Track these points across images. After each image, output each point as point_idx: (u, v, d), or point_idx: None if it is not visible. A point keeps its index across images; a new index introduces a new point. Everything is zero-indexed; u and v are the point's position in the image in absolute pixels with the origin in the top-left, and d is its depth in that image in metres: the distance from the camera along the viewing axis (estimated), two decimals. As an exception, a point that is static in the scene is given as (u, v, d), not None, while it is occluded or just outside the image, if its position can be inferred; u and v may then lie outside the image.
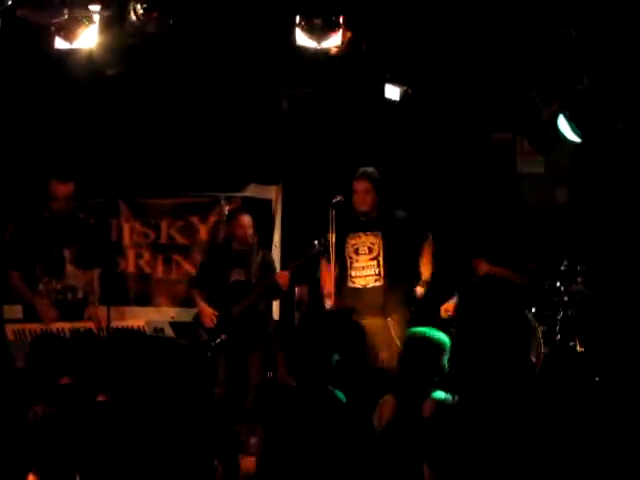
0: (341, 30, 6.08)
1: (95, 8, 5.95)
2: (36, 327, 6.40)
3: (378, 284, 6.70)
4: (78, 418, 3.83)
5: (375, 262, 6.72)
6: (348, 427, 4.20)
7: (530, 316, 7.30)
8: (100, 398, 3.97)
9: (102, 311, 6.62)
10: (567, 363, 7.18)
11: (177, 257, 8.50)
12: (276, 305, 8.00)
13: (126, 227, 8.47)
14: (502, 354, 4.08)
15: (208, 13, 6.36)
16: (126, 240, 8.47)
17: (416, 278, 6.76)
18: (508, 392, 3.87)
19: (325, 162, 7.99)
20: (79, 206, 7.12)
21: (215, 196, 8.47)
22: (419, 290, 6.71)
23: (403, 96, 7.21)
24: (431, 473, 3.78)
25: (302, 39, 6.08)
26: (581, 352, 7.19)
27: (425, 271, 6.76)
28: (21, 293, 6.64)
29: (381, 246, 6.72)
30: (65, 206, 6.67)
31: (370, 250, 6.74)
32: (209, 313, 7.05)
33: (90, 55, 6.23)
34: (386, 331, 6.47)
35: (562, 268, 7.37)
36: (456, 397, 4.29)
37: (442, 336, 4.59)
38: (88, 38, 6.01)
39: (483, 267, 6.75)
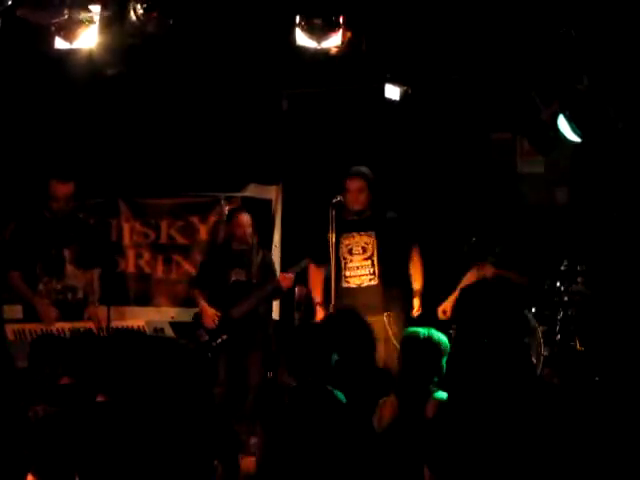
0: (341, 30, 6.08)
1: (95, 8, 5.95)
2: (36, 327, 6.40)
3: (373, 283, 6.70)
4: (78, 418, 3.83)
5: (369, 262, 6.72)
6: (348, 427, 4.20)
7: (530, 316, 7.31)
8: (99, 398, 3.97)
9: (102, 311, 6.63)
10: (567, 363, 7.18)
11: (177, 257, 8.50)
12: (276, 305, 8.00)
13: (126, 227, 8.47)
14: (502, 354, 4.08)
15: (208, 13, 6.36)
16: (126, 240, 8.47)
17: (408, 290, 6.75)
18: (509, 393, 3.87)
19: (325, 162, 7.99)
20: (79, 206, 7.12)
21: (215, 196, 8.47)
22: (416, 303, 6.69)
23: (403, 96, 7.21)
24: (431, 475, 3.77)
25: (302, 39, 6.08)
26: (581, 352, 7.19)
27: (416, 281, 6.75)
28: (21, 293, 6.64)
29: (375, 246, 6.72)
30: (65, 206, 6.67)
31: (364, 250, 6.74)
32: (211, 313, 7.05)
33: (90, 55, 6.23)
34: (382, 329, 6.46)
35: (562, 268, 7.37)
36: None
37: (442, 336, 4.60)
38: (88, 38, 6.00)
39: (488, 271, 6.73)
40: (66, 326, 6.44)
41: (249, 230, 7.20)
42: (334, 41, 6.12)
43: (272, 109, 8.23)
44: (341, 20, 6.07)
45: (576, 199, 8.10)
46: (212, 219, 8.46)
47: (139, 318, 7.34)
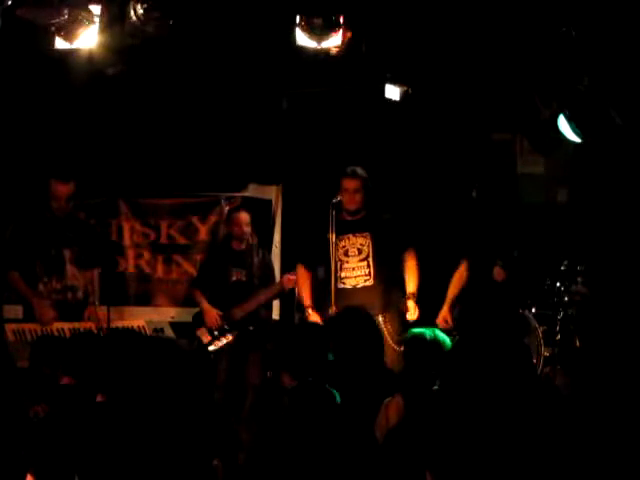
0: (341, 30, 6.07)
1: (95, 8, 5.95)
2: (36, 327, 6.41)
3: (368, 284, 6.68)
4: (77, 418, 3.83)
5: (365, 263, 6.71)
6: (343, 428, 4.20)
7: (530, 316, 7.31)
8: (99, 398, 3.97)
9: (102, 311, 6.63)
10: (567, 363, 7.19)
11: (177, 257, 8.51)
12: (276, 305, 8.01)
13: (126, 227, 8.47)
14: (502, 354, 4.08)
15: (208, 13, 6.35)
16: (126, 240, 8.47)
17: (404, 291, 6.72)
18: (509, 394, 3.87)
19: (325, 162, 7.99)
20: (79, 206, 7.12)
21: (215, 196, 8.48)
22: (411, 305, 6.62)
23: (403, 96, 7.21)
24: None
25: (302, 39, 6.08)
26: (581, 350, 7.20)
27: (410, 284, 6.72)
28: (21, 293, 6.64)
29: (370, 247, 6.70)
30: (65, 206, 6.67)
31: (360, 251, 6.73)
32: (214, 314, 7.05)
33: (90, 55, 6.23)
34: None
35: (562, 268, 7.38)
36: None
37: (446, 337, 4.61)
38: (88, 38, 6.00)
39: (499, 275, 6.70)
40: (66, 326, 6.44)
41: (247, 229, 7.20)
42: (334, 41, 6.11)
43: (272, 109, 8.23)
44: (341, 20, 6.06)
45: (576, 199, 8.10)
46: (212, 219, 8.46)
47: (139, 318, 7.35)
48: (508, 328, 6.64)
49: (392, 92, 7.17)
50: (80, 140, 7.97)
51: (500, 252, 6.75)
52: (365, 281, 6.70)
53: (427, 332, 4.58)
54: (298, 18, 6.04)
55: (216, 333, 7.03)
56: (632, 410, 4.23)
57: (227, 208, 8.20)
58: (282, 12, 6.14)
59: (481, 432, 3.74)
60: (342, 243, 6.71)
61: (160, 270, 8.51)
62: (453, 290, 6.87)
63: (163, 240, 8.53)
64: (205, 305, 7.10)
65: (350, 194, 6.66)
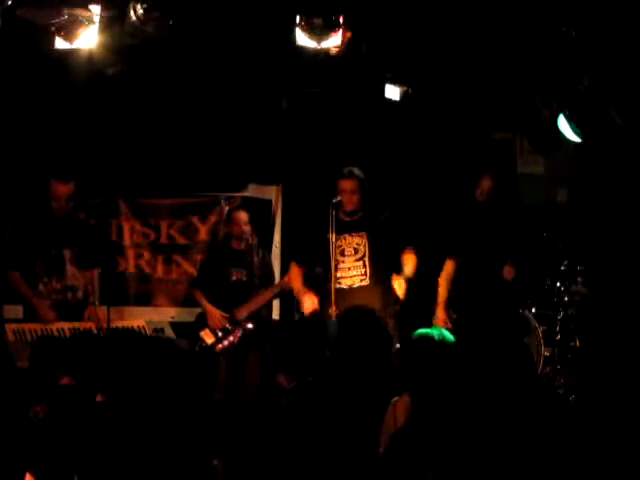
0: (341, 30, 6.08)
1: (95, 8, 5.95)
2: (36, 327, 6.40)
3: (364, 284, 6.69)
4: (77, 418, 3.83)
5: (361, 262, 6.72)
6: (347, 428, 4.20)
7: (530, 316, 7.31)
8: (99, 398, 3.97)
9: (102, 311, 6.63)
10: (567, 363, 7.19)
11: (177, 257, 8.51)
12: (276, 305, 8.01)
13: (126, 227, 8.48)
14: (502, 354, 4.08)
15: (208, 13, 6.35)
16: (126, 240, 8.47)
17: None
18: (509, 394, 3.87)
19: (325, 162, 7.99)
20: (79, 206, 7.12)
21: (215, 196, 8.48)
22: (401, 283, 6.53)
23: (403, 96, 7.21)
24: None
25: (302, 39, 6.08)
26: (581, 351, 7.21)
27: (407, 265, 6.63)
28: (22, 292, 6.64)
29: (367, 247, 6.71)
30: (65, 206, 6.67)
31: (356, 251, 6.73)
32: (218, 315, 7.05)
33: (90, 55, 6.23)
34: None
35: (562, 268, 7.38)
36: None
37: (452, 337, 4.60)
38: (88, 38, 6.00)
39: (509, 273, 6.67)
40: (66, 326, 6.44)
41: (246, 228, 7.19)
42: (334, 41, 6.11)
43: (272, 109, 8.23)
44: (341, 20, 6.06)
45: (576, 199, 8.10)
46: (212, 219, 8.46)
47: (139, 318, 7.34)
48: (508, 328, 6.63)
49: (392, 92, 7.17)
50: (80, 140, 7.97)
51: (510, 250, 6.70)
52: (361, 281, 6.71)
53: (434, 332, 4.57)
54: (298, 18, 6.05)
55: (220, 334, 7.03)
56: (632, 410, 4.24)
57: (227, 208, 8.21)
58: (282, 12, 6.14)
59: (481, 432, 3.74)
60: (338, 243, 6.71)
61: (160, 270, 8.51)
62: (443, 290, 6.85)
63: (163, 240, 8.53)
64: (208, 306, 7.10)
65: (347, 195, 6.67)
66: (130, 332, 6.01)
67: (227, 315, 7.05)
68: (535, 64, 6.26)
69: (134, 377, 3.76)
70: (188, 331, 7.31)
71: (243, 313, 7.05)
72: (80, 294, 6.77)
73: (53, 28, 5.94)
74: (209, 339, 7.03)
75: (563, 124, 6.33)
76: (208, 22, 6.46)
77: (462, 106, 7.81)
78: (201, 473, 3.75)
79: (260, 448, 4.45)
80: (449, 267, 6.81)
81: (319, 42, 6.09)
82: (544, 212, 7.93)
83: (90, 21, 5.95)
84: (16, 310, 6.89)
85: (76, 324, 6.48)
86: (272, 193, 8.54)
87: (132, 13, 5.91)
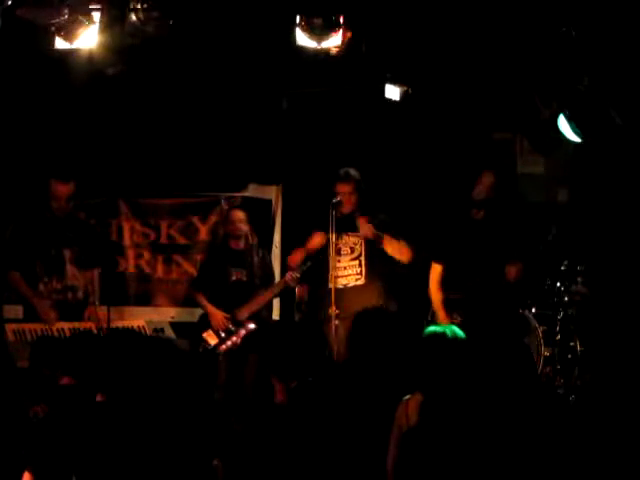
0: (341, 30, 6.08)
1: (95, 8, 5.95)
2: (36, 327, 6.40)
3: (359, 283, 6.72)
4: (77, 418, 3.83)
5: (357, 262, 6.74)
6: (351, 427, 4.20)
7: (530, 316, 7.30)
8: (98, 398, 3.97)
9: (102, 311, 6.63)
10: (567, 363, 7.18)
11: (177, 257, 8.50)
12: (276, 305, 8.00)
13: (126, 227, 8.47)
14: (502, 354, 4.08)
15: (208, 13, 6.35)
16: (126, 240, 8.47)
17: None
18: (510, 394, 3.87)
19: (325, 162, 7.98)
20: (79, 206, 7.12)
21: (215, 196, 8.48)
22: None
23: (403, 96, 7.21)
24: None
25: (302, 39, 6.08)
26: (581, 351, 7.20)
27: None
28: (21, 293, 6.64)
29: (363, 246, 6.73)
30: (65, 206, 6.67)
31: (352, 250, 6.76)
32: (220, 316, 7.04)
33: (90, 55, 6.23)
34: None
35: (562, 268, 7.37)
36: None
37: (463, 333, 4.57)
38: (88, 38, 6.01)
39: (512, 273, 6.63)
40: (66, 326, 6.44)
41: (243, 226, 7.19)
42: (334, 41, 6.11)
43: (272, 109, 8.22)
44: (341, 20, 6.06)
45: (576, 199, 8.09)
46: (212, 219, 8.46)
47: (139, 318, 7.34)
48: (508, 328, 6.62)
49: (392, 92, 7.17)
50: (80, 140, 7.96)
51: (513, 250, 6.67)
52: (356, 280, 6.73)
53: (446, 330, 4.54)
54: (298, 18, 6.05)
55: (223, 335, 7.03)
56: (632, 410, 4.24)
57: (226, 208, 8.20)
58: (282, 12, 6.14)
59: (481, 432, 3.74)
60: (335, 242, 6.73)
61: (160, 270, 8.50)
62: (438, 293, 6.74)
63: (163, 240, 8.53)
64: (210, 308, 7.09)
65: (344, 198, 6.70)
66: (130, 332, 6.00)
67: (229, 316, 7.04)
68: (535, 64, 6.26)
69: (134, 377, 3.76)
70: (188, 331, 7.31)
71: (244, 313, 7.04)
72: (80, 294, 6.77)
73: (53, 28, 5.94)
74: (212, 340, 7.03)
75: (563, 124, 6.32)
76: (208, 22, 6.46)
77: (462, 106, 7.80)
78: (201, 473, 3.75)
79: (260, 448, 4.45)
80: (437, 270, 6.76)
81: (319, 42, 6.09)
82: (544, 212, 7.93)
83: (90, 21, 5.95)
84: (16, 310, 6.89)
85: (76, 324, 6.48)
86: (272, 193, 8.54)
87: (132, 13, 5.91)
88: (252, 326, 7.03)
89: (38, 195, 6.80)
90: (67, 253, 6.72)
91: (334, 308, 6.56)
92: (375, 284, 6.71)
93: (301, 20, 6.05)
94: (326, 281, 6.73)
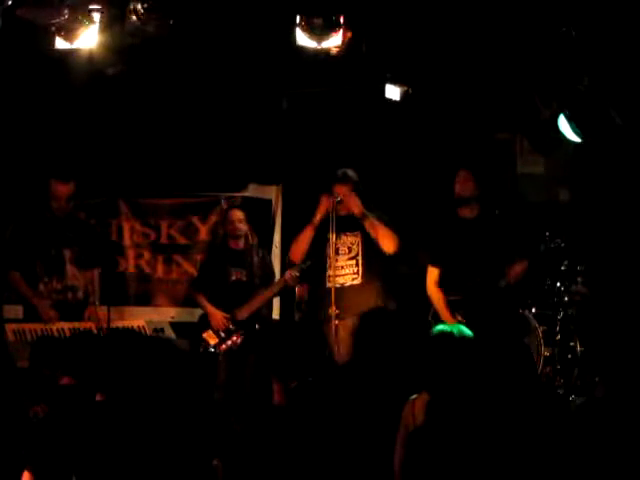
0: (341, 30, 6.08)
1: (95, 8, 5.95)
2: (36, 327, 6.40)
3: (356, 282, 6.72)
4: (77, 418, 3.83)
5: (354, 261, 6.75)
6: (353, 427, 4.20)
7: (530, 316, 7.30)
8: (98, 398, 3.97)
9: (102, 311, 6.63)
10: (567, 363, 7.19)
11: (177, 257, 8.51)
12: (276, 305, 8.00)
13: (126, 227, 8.47)
14: (502, 354, 4.08)
15: (208, 13, 6.35)
16: (126, 240, 8.47)
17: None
18: (510, 393, 3.87)
19: (325, 162, 7.98)
20: (79, 206, 7.12)
21: (215, 196, 8.48)
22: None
23: (403, 96, 7.21)
24: None
25: (302, 39, 6.08)
26: (581, 351, 7.20)
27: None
28: (22, 293, 6.64)
29: (360, 246, 6.73)
30: (65, 206, 6.67)
31: (350, 250, 6.76)
32: (220, 316, 7.04)
33: (90, 55, 6.23)
34: None
35: (562, 268, 7.37)
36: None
37: (470, 332, 4.56)
38: (88, 38, 6.01)
39: (518, 270, 6.59)
40: (66, 326, 6.44)
41: (241, 225, 7.18)
42: (334, 41, 6.12)
43: (272, 109, 8.23)
44: (341, 20, 6.06)
45: (576, 199, 8.09)
46: (212, 219, 8.46)
47: (139, 318, 7.34)
48: (508, 328, 6.62)
49: (392, 92, 7.17)
50: (80, 140, 7.97)
51: (514, 250, 6.65)
52: (353, 280, 6.73)
53: (453, 329, 4.53)
54: (298, 18, 6.05)
55: (223, 335, 7.03)
56: (632, 410, 4.23)
57: (225, 208, 8.20)
58: (282, 12, 6.14)
59: (481, 432, 3.74)
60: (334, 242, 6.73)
61: (160, 270, 8.51)
62: (438, 294, 6.72)
63: (163, 240, 8.53)
64: (210, 308, 7.09)
65: (343, 199, 6.70)
66: (130, 332, 5.99)
67: (228, 316, 7.05)
68: (535, 64, 6.26)
69: (134, 377, 3.76)
70: (188, 331, 7.31)
71: (244, 313, 7.04)
72: (80, 294, 6.77)
73: (53, 28, 5.94)
74: (212, 340, 7.03)
75: (563, 124, 6.32)
76: (208, 22, 6.46)
77: (462, 106, 7.80)
78: (201, 473, 3.75)
79: (260, 448, 4.45)
80: (433, 273, 6.74)
81: (319, 42, 6.09)
82: (544, 212, 7.93)
83: (90, 21, 5.95)
84: (16, 310, 6.89)
85: (76, 324, 6.48)
86: (272, 193, 8.54)
87: (132, 13, 5.91)
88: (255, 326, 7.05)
89: (38, 195, 6.80)
90: (67, 253, 6.72)
91: (334, 308, 6.56)
92: (373, 283, 6.71)
93: (301, 20, 6.05)
94: (324, 280, 6.73)
